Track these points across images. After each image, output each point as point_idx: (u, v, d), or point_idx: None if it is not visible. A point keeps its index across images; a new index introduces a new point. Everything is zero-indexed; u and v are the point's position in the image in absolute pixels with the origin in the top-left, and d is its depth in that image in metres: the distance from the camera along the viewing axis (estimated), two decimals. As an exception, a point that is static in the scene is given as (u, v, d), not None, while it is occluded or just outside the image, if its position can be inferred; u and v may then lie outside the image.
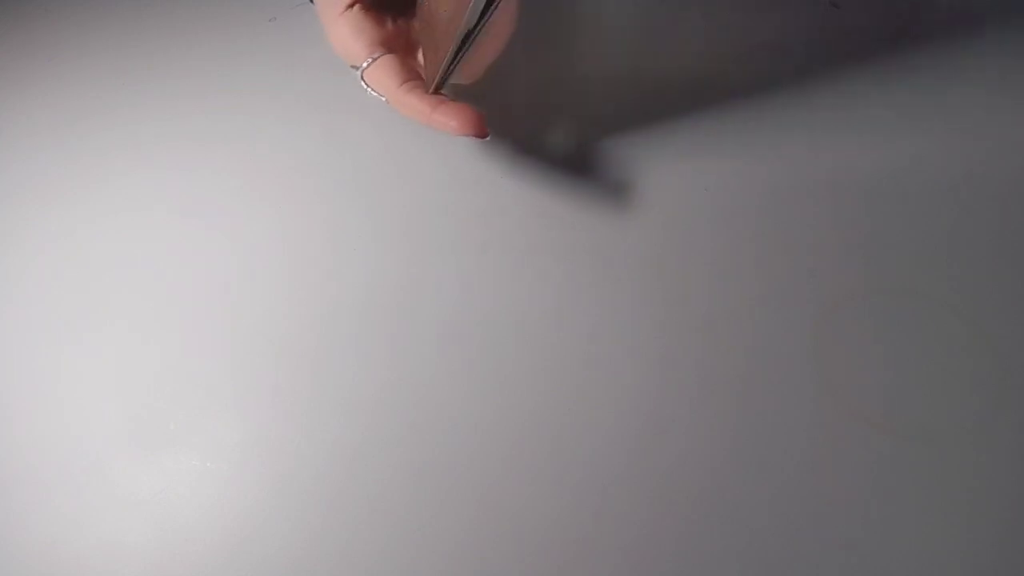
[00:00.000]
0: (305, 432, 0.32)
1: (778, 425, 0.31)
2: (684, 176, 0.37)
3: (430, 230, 0.36)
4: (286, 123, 0.39)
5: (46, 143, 0.39)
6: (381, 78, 0.33)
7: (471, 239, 0.36)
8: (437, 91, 0.33)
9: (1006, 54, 0.40)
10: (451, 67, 0.32)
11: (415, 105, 0.33)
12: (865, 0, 0.42)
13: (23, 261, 0.36)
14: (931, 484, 0.30)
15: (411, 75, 0.34)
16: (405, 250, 0.36)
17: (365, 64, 0.34)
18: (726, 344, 0.33)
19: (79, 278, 0.35)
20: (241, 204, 0.37)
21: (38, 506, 0.31)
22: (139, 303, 0.35)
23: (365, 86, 0.34)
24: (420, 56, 0.35)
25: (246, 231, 0.36)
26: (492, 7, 0.29)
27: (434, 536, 0.30)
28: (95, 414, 0.32)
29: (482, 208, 0.37)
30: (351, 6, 0.34)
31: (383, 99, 0.34)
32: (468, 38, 0.30)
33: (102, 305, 0.35)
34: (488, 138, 0.33)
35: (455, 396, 0.32)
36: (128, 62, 0.42)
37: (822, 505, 0.30)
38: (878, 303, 0.34)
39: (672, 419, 0.31)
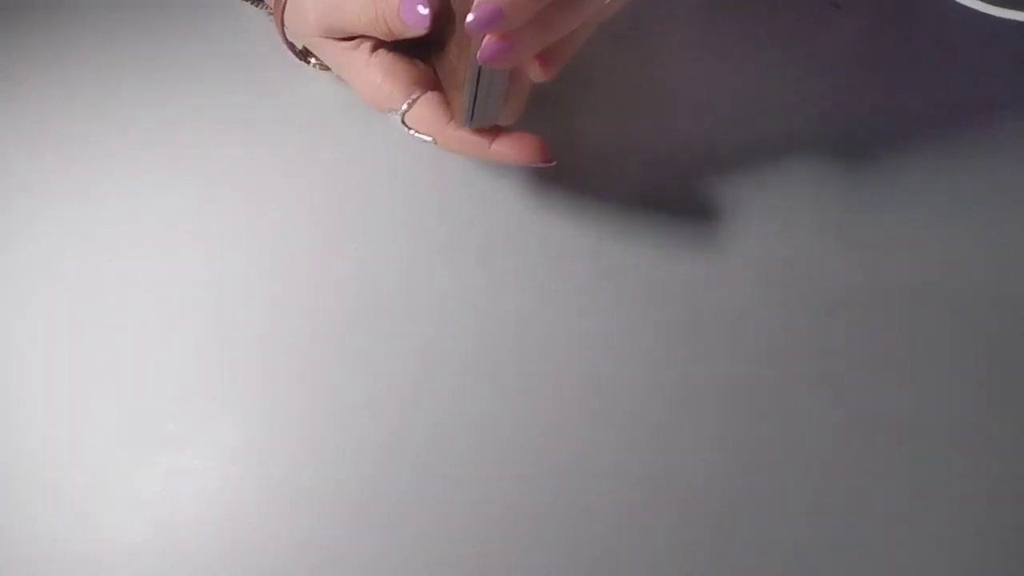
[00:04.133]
0: (306, 432, 0.32)
1: (779, 426, 0.31)
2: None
3: (431, 233, 0.36)
4: (284, 123, 0.39)
5: (43, 144, 0.39)
6: (426, 116, 0.32)
7: (472, 242, 0.36)
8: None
9: (1008, 55, 0.40)
10: (473, 106, 0.30)
11: (470, 139, 0.31)
12: (865, 0, 0.42)
13: (21, 261, 0.36)
14: (931, 484, 0.30)
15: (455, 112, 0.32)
16: (408, 252, 0.35)
17: (405, 107, 0.32)
18: (726, 345, 0.33)
19: (78, 278, 0.35)
20: (239, 205, 0.37)
21: (38, 506, 0.31)
22: (139, 303, 0.35)
23: (407, 129, 0.32)
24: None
25: (246, 232, 0.36)
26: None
27: (433, 537, 0.30)
28: (95, 414, 0.32)
29: (482, 212, 0.37)
30: (375, 50, 0.32)
31: (428, 139, 0.32)
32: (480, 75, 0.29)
33: (102, 305, 0.35)
34: (554, 164, 0.31)
35: (457, 398, 0.32)
36: (125, 62, 0.42)
37: (822, 505, 0.30)
38: (878, 303, 0.34)
39: (672, 420, 0.31)
